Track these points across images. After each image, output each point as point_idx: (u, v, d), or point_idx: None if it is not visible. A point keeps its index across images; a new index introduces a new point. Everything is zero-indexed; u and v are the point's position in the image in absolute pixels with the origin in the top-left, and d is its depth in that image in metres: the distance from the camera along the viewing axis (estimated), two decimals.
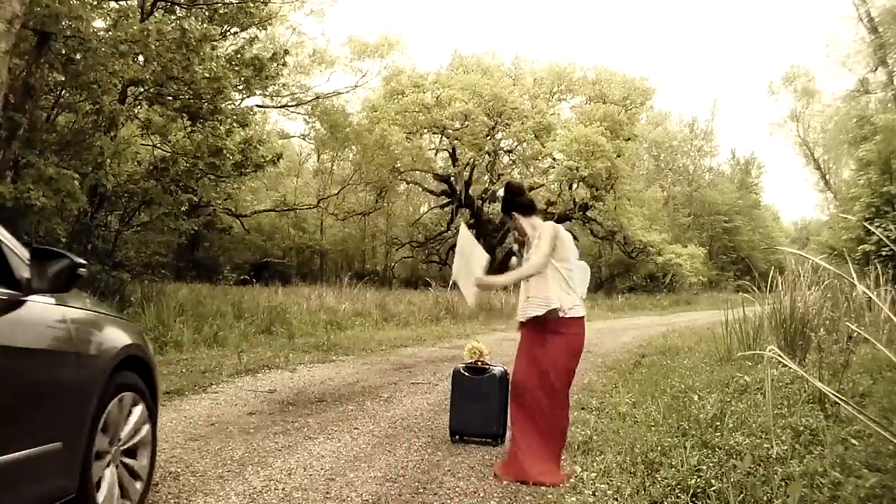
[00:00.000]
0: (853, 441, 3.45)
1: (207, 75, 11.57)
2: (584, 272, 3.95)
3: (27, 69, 9.73)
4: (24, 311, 2.27)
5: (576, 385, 6.50)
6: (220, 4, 12.78)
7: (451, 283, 4.16)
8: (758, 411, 4.39)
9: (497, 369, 4.56)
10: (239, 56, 13.47)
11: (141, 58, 11.03)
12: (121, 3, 12.42)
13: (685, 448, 3.69)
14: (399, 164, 28.91)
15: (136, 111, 12.81)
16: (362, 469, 3.81)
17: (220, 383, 6.52)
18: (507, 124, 29.39)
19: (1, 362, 2.09)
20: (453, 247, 32.90)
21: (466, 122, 28.77)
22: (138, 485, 2.90)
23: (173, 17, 12.21)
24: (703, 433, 3.96)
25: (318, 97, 25.68)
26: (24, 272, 2.31)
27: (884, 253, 12.81)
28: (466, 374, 4.58)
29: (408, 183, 33.50)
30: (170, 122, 13.00)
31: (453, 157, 30.98)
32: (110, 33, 10.57)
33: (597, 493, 3.27)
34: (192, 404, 5.54)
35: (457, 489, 3.51)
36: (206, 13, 12.84)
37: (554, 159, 29.76)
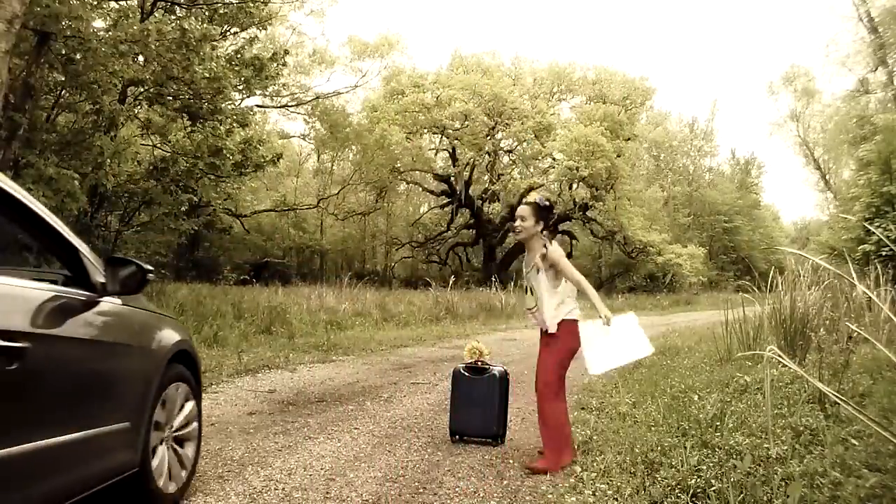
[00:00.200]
0: (853, 441, 3.45)
1: (207, 75, 11.57)
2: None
3: (27, 69, 9.73)
4: (99, 310, 2.64)
5: (575, 385, 6.51)
6: (220, 4, 12.78)
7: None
8: (758, 411, 4.39)
9: (497, 369, 4.56)
10: (239, 56, 13.47)
11: (141, 58, 11.03)
12: (121, 3, 12.42)
13: (685, 448, 3.69)
14: (399, 164, 28.91)
15: (136, 111, 12.81)
16: (362, 469, 3.81)
17: (220, 383, 6.52)
18: (507, 124, 29.39)
19: (82, 352, 2.48)
20: (453, 247, 33.11)
21: (466, 122, 28.78)
22: (187, 466, 3.29)
23: (173, 17, 12.21)
24: (703, 433, 3.96)
25: (318, 97, 25.69)
26: (100, 277, 2.67)
27: (884, 253, 12.80)
28: (466, 374, 4.58)
29: (408, 183, 33.51)
30: (170, 122, 13.00)
31: (453, 157, 30.98)
32: (110, 33, 10.57)
33: (597, 493, 3.27)
34: None
35: (457, 489, 3.51)
36: (206, 13, 12.84)
37: (554, 159, 29.76)
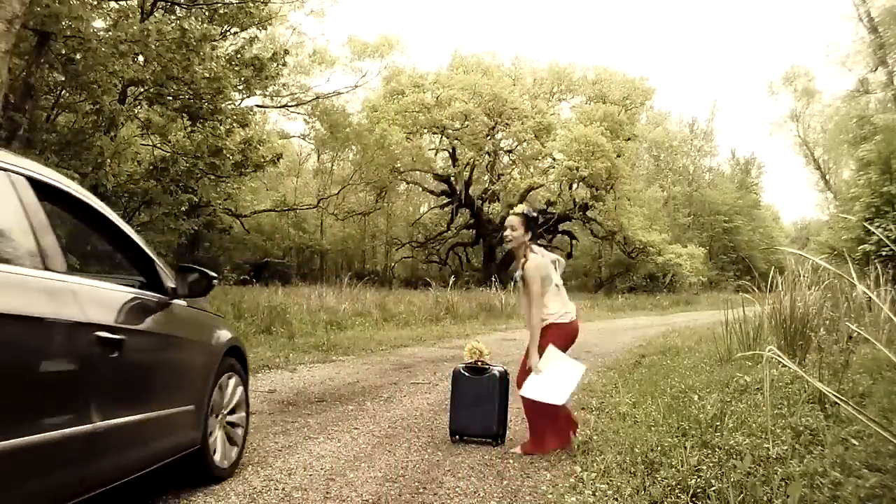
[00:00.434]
0: (853, 441, 3.45)
1: (207, 75, 11.58)
2: (560, 287, 4.41)
3: (27, 69, 9.73)
4: (171, 310, 3.13)
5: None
6: (220, 4, 12.78)
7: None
8: (758, 411, 4.38)
9: (497, 369, 4.56)
10: (239, 56, 13.48)
11: (141, 58, 11.03)
12: (121, 3, 12.42)
13: (685, 448, 3.69)
14: (399, 164, 28.92)
15: (136, 111, 12.82)
16: (362, 469, 3.81)
17: None
18: (507, 124, 29.39)
19: (160, 345, 3.03)
20: (453, 247, 33.14)
21: (466, 122, 28.78)
22: (237, 446, 3.75)
23: (173, 17, 12.22)
24: (703, 433, 3.96)
25: (318, 97, 25.69)
26: (170, 283, 3.15)
27: (884, 253, 12.78)
28: (466, 374, 4.58)
29: (408, 183, 33.52)
30: (170, 122, 13.02)
31: (453, 157, 30.98)
32: (110, 33, 10.58)
33: (597, 493, 3.27)
34: None
35: (457, 489, 3.51)
36: (206, 13, 12.85)
37: (554, 159, 29.76)
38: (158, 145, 13.74)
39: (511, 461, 4.08)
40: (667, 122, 44.26)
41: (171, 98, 12.36)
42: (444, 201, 32.46)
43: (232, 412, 3.72)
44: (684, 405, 4.81)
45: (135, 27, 10.46)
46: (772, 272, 7.34)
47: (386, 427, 4.91)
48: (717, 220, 42.60)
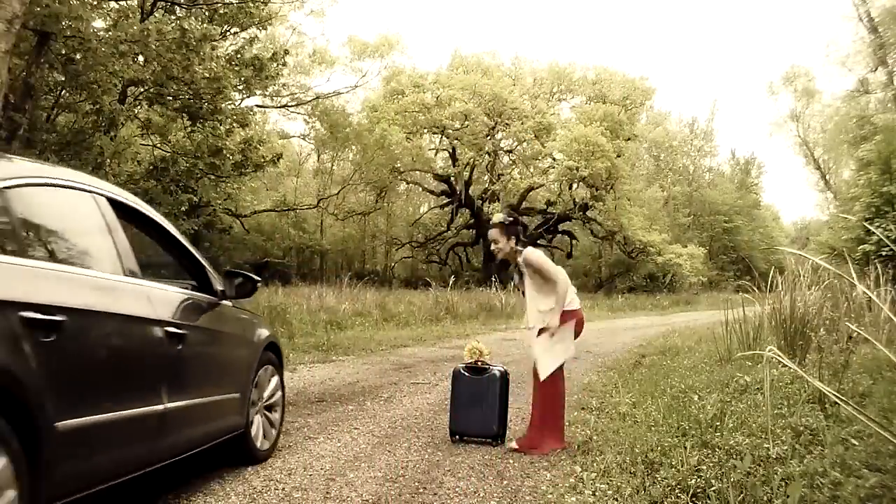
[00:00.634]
0: (853, 441, 3.45)
1: (207, 75, 11.58)
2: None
3: (27, 69, 9.73)
4: (220, 310, 3.58)
5: (575, 385, 6.51)
6: (220, 4, 12.78)
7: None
8: (758, 411, 4.38)
9: (497, 369, 4.56)
10: (239, 56, 13.48)
11: (141, 58, 11.03)
12: (121, 3, 12.42)
13: (685, 448, 3.69)
14: (399, 164, 28.91)
15: (136, 111, 12.82)
16: (362, 469, 3.81)
17: None
18: (507, 124, 29.39)
19: (213, 339, 3.50)
20: (453, 247, 33.13)
21: (466, 122, 28.77)
22: (274, 429, 4.16)
23: (173, 17, 12.22)
24: (703, 433, 3.96)
25: (318, 97, 25.68)
26: (219, 286, 3.59)
27: (884, 253, 12.77)
28: (466, 374, 4.58)
29: (408, 183, 33.51)
30: (170, 122, 13.02)
31: (453, 157, 30.98)
32: (110, 33, 10.58)
33: (597, 493, 3.27)
34: None
35: (457, 489, 3.51)
36: (206, 13, 12.85)
37: (554, 159, 29.76)
38: (158, 145, 13.75)
39: (511, 461, 4.08)
40: (667, 122, 44.27)
41: (171, 98, 12.37)
42: (444, 201, 32.46)
43: (269, 400, 4.11)
44: (684, 405, 4.81)
45: (135, 27, 10.47)
46: (772, 272, 7.33)
47: (386, 427, 4.91)
48: (717, 220, 42.60)
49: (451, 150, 31.03)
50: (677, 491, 3.18)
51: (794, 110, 38.03)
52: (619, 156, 29.52)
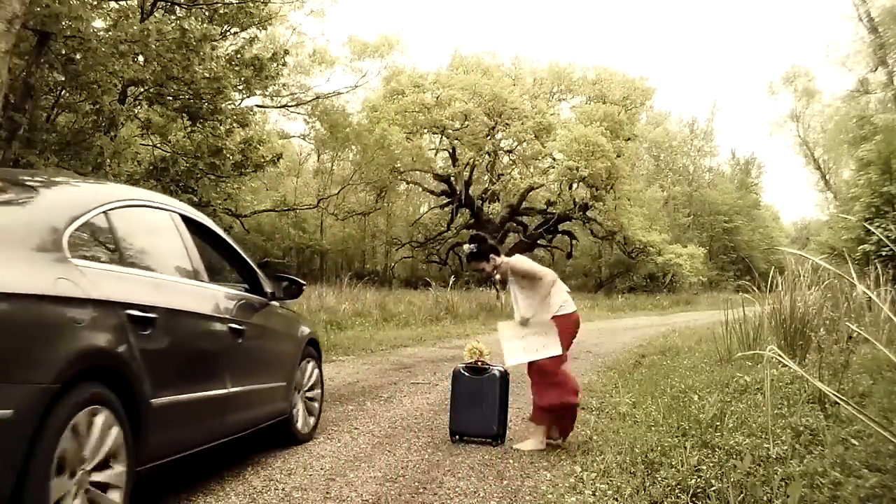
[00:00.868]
0: (853, 441, 3.45)
1: (207, 75, 11.58)
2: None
3: (27, 69, 9.73)
4: (269, 309, 4.07)
5: None
6: (220, 4, 12.78)
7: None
8: (758, 411, 4.38)
9: (497, 369, 4.56)
10: (239, 56, 13.47)
11: (141, 58, 11.03)
12: (121, 3, 12.42)
13: (685, 448, 3.69)
14: (399, 164, 28.90)
15: (136, 111, 12.82)
16: (362, 469, 3.81)
17: None
18: (507, 124, 29.38)
19: (264, 334, 3.94)
20: (453, 247, 33.12)
21: (466, 122, 28.76)
22: (314, 416, 4.64)
23: (173, 17, 12.22)
24: (703, 433, 3.96)
25: (318, 97, 25.68)
26: (269, 287, 4.07)
27: (884, 253, 12.77)
28: (466, 374, 4.58)
29: (408, 183, 33.50)
30: (170, 122, 13.01)
31: (453, 157, 30.97)
32: (110, 33, 10.58)
33: (597, 493, 3.27)
34: None
35: (457, 489, 3.51)
36: (206, 13, 12.84)
37: (554, 159, 29.75)
38: (158, 145, 13.74)
39: (511, 461, 4.08)
40: (667, 122, 44.26)
41: (171, 98, 12.36)
42: (444, 201, 32.44)
43: (310, 390, 4.60)
44: (684, 405, 4.81)
45: (135, 27, 10.46)
46: (772, 272, 7.33)
47: (386, 427, 4.91)
48: (717, 220, 42.58)
49: (451, 150, 31.02)
50: (677, 491, 3.18)
51: (794, 110, 38.06)
52: (619, 156, 29.51)
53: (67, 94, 11.60)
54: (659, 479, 3.35)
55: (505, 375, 4.57)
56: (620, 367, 8.18)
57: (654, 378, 6.61)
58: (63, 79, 11.01)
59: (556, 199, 30.17)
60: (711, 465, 3.42)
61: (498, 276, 4.55)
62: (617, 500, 3.19)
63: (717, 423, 4.14)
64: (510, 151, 32.09)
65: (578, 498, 3.26)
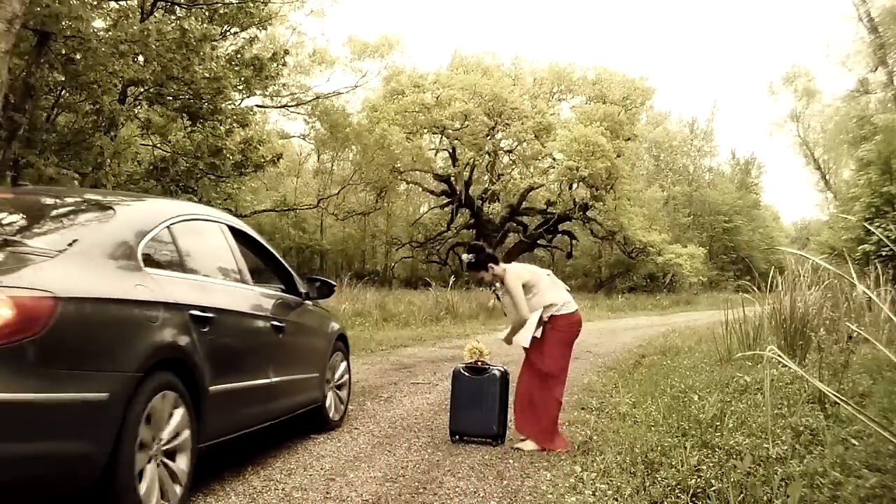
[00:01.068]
0: (853, 441, 3.45)
1: (207, 75, 11.57)
2: (551, 276, 4.67)
3: (27, 69, 9.73)
4: (304, 308, 4.54)
5: (576, 385, 6.51)
6: (220, 4, 12.77)
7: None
8: (758, 411, 4.38)
9: (497, 369, 4.56)
10: (239, 56, 13.47)
11: (141, 58, 11.02)
12: (121, 3, 12.41)
13: (685, 448, 3.69)
14: (399, 164, 28.87)
15: (136, 111, 12.81)
16: (362, 469, 3.81)
17: None
18: (507, 124, 29.35)
19: (300, 330, 4.40)
20: (453, 247, 33.11)
21: (466, 122, 28.74)
22: (343, 403, 5.08)
23: (173, 17, 12.22)
24: (703, 433, 3.96)
25: (318, 97, 25.65)
26: (302, 288, 4.56)
27: (884, 253, 12.77)
28: (466, 374, 4.58)
29: (408, 183, 33.47)
30: (170, 122, 13.01)
31: (453, 157, 30.95)
32: (110, 33, 10.57)
33: (597, 493, 3.27)
34: None
35: (457, 489, 3.51)
36: (206, 13, 12.83)
37: (554, 159, 29.72)
38: (158, 145, 13.73)
39: (511, 461, 4.08)
40: (667, 122, 44.20)
41: (171, 98, 12.36)
42: (444, 201, 32.41)
43: (339, 380, 5.03)
44: (684, 405, 4.81)
45: (135, 27, 10.46)
46: (772, 272, 7.33)
47: (386, 427, 4.91)
48: (717, 220, 42.53)
49: (451, 150, 30.99)
50: (677, 491, 3.18)
51: (794, 110, 38.01)
52: (619, 156, 29.47)
53: (67, 94, 11.59)
54: (659, 479, 3.35)
55: (505, 375, 4.57)
56: (620, 367, 8.18)
57: (654, 378, 6.61)
58: (63, 79, 11.00)
59: (556, 199, 30.15)
60: (711, 465, 3.42)
61: (498, 284, 4.59)
62: (617, 500, 3.19)
63: (717, 423, 4.14)
64: (510, 151, 32.06)
65: (578, 498, 3.26)
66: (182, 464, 2.91)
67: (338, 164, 33.15)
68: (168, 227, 3.22)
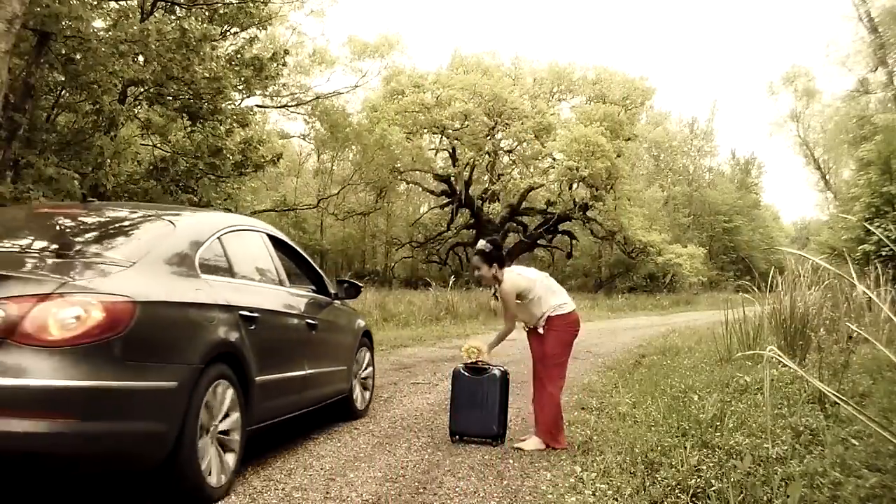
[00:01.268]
0: (853, 441, 3.45)
1: (207, 75, 11.57)
2: (547, 279, 4.64)
3: (27, 69, 9.72)
4: (334, 307, 5.01)
5: (576, 385, 6.50)
6: (220, 4, 12.77)
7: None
8: (758, 411, 4.38)
9: (497, 369, 4.56)
10: (239, 56, 13.46)
11: (141, 58, 11.01)
12: (121, 3, 12.41)
13: (685, 448, 3.69)
14: (399, 164, 28.87)
15: (136, 111, 12.79)
16: (362, 469, 3.81)
17: None
18: (507, 124, 29.34)
19: (330, 327, 4.82)
20: (453, 247, 33.13)
21: (466, 122, 28.73)
22: (367, 394, 5.53)
23: (173, 17, 12.20)
24: (703, 433, 3.96)
25: (318, 97, 25.64)
26: (332, 289, 5.03)
27: (884, 253, 12.77)
28: (466, 374, 4.58)
29: (408, 183, 33.47)
30: (170, 122, 13.00)
31: (453, 157, 30.95)
32: (110, 33, 10.57)
33: (597, 493, 3.27)
34: None
35: (457, 489, 3.51)
36: (206, 13, 12.83)
37: (554, 159, 29.72)
38: (158, 145, 13.72)
39: (511, 461, 4.08)
40: (667, 122, 44.18)
41: (171, 98, 12.34)
42: (444, 201, 32.41)
43: (364, 373, 5.45)
44: (684, 405, 4.81)
45: (135, 27, 10.45)
46: (772, 272, 7.33)
47: (386, 427, 4.91)
48: (717, 220, 42.53)
49: (451, 150, 30.99)
50: (677, 491, 3.18)
51: (794, 110, 38.02)
52: (619, 156, 29.46)
53: (67, 94, 11.58)
54: (659, 479, 3.35)
55: (505, 375, 4.57)
56: (620, 367, 8.18)
57: (654, 378, 6.61)
58: (63, 79, 10.99)
59: (556, 199, 30.14)
60: (711, 465, 3.42)
61: (496, 286, 4.59)
62: (617, 500, 3.19)
63: (717, 423, 4.14)
64: (510, 151, 32.05)
65: (578, 498, 3.26)
66: (234, 444, 3.35)
67: (338, 164, 33.15)
68: (218, 237, 3.67)
